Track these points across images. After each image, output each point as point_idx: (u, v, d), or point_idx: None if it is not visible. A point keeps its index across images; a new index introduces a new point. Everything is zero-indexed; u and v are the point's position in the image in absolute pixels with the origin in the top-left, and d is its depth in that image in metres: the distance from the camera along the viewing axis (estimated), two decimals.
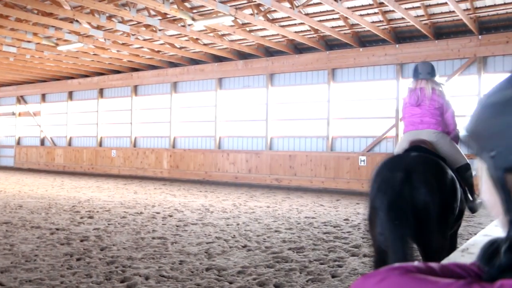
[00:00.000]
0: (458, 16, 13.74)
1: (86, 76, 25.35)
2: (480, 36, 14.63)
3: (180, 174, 21.05)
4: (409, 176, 3.63)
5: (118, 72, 23.93)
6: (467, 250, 2.86)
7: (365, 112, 16.90)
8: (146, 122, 23.19)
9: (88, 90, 25.61)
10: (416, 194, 3.59)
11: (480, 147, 0.88)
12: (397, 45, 15.99)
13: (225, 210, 11.87)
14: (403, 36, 15.92)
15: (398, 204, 3.45)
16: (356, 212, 11.60)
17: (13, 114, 29.69)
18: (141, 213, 11.19)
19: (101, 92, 24.99)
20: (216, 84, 20.40)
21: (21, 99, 29.22)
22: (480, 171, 0.91)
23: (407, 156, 4.11)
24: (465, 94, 14.71)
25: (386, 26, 15.28)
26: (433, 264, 0.90)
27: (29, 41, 17.25)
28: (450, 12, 13.94)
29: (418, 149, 4.35)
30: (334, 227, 9.61)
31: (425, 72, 5.10)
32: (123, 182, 19.90)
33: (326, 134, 17.46)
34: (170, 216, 10.79)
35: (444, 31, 15.22)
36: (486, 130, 0.86)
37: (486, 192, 0.90)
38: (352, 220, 10.52)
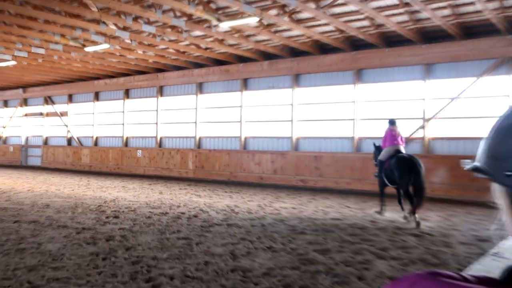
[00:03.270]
0: (486, 15, 13.50)
1: (112, 77, 25.62)
2: (509, 36, 14.34)
3: (205, 174, 21.08)
4: (415, 162, 10.13)
5: (143, 73, 24.08)
6: (499, 254, 2.83)
7: (391, 113, 16.68)
8: (171, 123, 23.30)
9: (114, 91, 25.89)
10: (420, 168, 9.98)
11: (496, 168, 0.88)
12: (423, 45, 15.77)
13: (250, 211, 11.86)
14: (430, 36, 15.63)
15: (413, 171, 10.04)
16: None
17: (41, 114, 30.16)
18: (166, 213, 11.22)
19: (127, 92, 25.22)
20: (241, 85, 20.39)
21: (48, 100, 29.65)
22: (498, 194, 0.91)
23: (407, 155, 10.73)
24: (493, 95, 14.52)
25: (413, 26, 15.05)
26: (465, 274, 0.89)
27: (56, 43, 17.44)
28: (478, 12, 13.66)
29: (401, 152, 11.04)
30: (361, 229, 9.53)
31: (395, 122, 11.61)
32: (149, 182, 19.96)
33: (352, 135, 17.32)
34: (195, 216, 10.78)
35: (472, 31, 14.97)
36: (502, 151, 0.87)
37: (507, 213, 0.91)
38: (378, 222, 10.41)
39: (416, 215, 9.99)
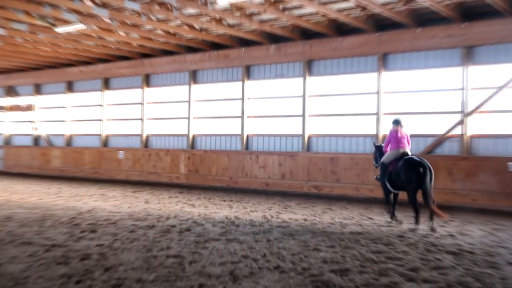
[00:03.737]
0: None
1: (89, 63, 25.61)
2: None
3: (200, 179, 21.15)
4: (426, 166, 11.29)
5: (126, 58, 24.12)
6: None
7: (424, 106, 16.62)
8: (159, 118, 23.35)
9: (90, 80, 25.89)
10: (431, 174, 11.35)
11: None
12: (463, 24, 15.64)
13: (253, 223, 11.89)
14: (471, 12, 15.41)
15: (425, 177, 11.20)
16: (413, 227, 11.44)
17: (1, 108, 29.93)
18: (153, 226, 11.21)
19: (106, 82, 25.28)
20: (243, 73, 20.42)
21: (10, 91, 29.59)
22: None
23: (418, 158, 11.73)
24: None
25: (449, 2, 14.77)
26: None
27: (20, 22, 17.20)
28: None
29: (408, 155, 12.20)
30: (386, 245, 9.50)
31: (401, 122, 12.50)
32: (132, 189, 20.05)
33: (376, 133, 17.31)
34: (188, 230, 10.78)
35: None
36: None
37: None
38: (408, 237, 10.34)
39: (433, 222, 11.16)
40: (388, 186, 12.18)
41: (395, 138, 12.30)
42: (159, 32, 19.32)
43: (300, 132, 18.96)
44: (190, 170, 21.55)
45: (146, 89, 23.65)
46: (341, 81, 18.36)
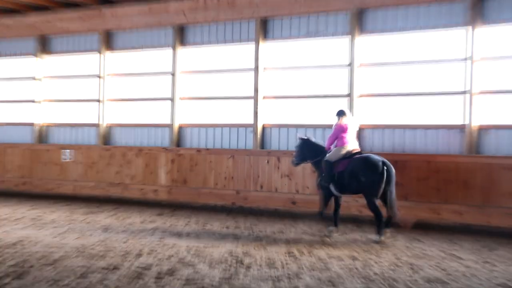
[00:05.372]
0: None
1: (16, 11, 25.38)
2: None
3: (191, 194, 21.19)
4: (389, 165, 14.29)
5: (75, 5, 23.91)
6: None
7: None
8: (127, 99, 23.61)
9: (19, 39, 25.95)
10: (393, 175, 14.38)
11: None
12: None
13: (273, 263, 12.01)
14: None
15: (389, 178, 14.17)
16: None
17: None
18: (116, 268, 11.26)
19: (43, 42, 25.30)
20: (257, 29, 20.43)
21: None
22: None
23: (379, 157, 14.50)
24: None
25: None
26: None
27: None
28: None
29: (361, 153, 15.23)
30: None
31: (345, 113, 15.17)
32: (84, 209, 20.31)
33: (463, 122, 17.29)
34: (171, 274, 10.81)
35: None
36: None
37: None
38: None
39: (388, 231, 14.27)
40: (333, 189, 14.83)
41: (341, 132, 14.94)
42: None
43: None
44: (175, 179, 21.60)
45: (107, 54, 23.62)
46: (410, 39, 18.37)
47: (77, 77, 24.65)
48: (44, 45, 25.26)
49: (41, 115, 25.25)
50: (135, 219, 18.03)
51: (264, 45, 20.41)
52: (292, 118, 20.09)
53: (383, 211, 14.30)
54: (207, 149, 21.15)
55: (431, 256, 12.99)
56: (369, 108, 18.87)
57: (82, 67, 24.45)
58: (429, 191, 17.18)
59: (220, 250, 13.18)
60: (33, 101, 25.33)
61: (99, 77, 23.75)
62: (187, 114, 22.07)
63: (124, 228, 16.15)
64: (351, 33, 18.92)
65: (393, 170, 14.12)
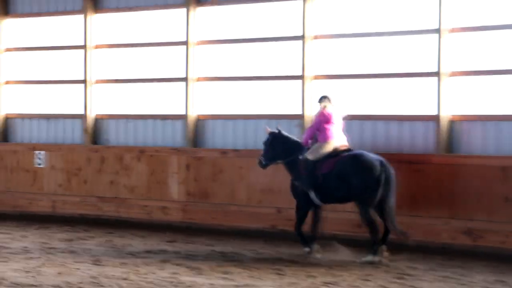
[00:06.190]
0: None
1: None
2: None
3: (212, 212, 20.49)
4: (387, 166, 15.35)
5: None
6: None
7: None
8: (122, 80, 23.26)
9: None
10: (393, 177, 15.58)
11: None
12: None
13: None
14: None
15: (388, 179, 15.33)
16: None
17: None
18: None
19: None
20: None
21: None
22: None
23: (374, 155, 15.59)
24: None
25: None
26: None
27: None
28: None
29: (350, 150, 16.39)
30: None
31: (329, 98, 16.13)
32: (66, 234, 19.85)
33: None
34: None
35: None
36: None
37: None
38: None
39: (384, 248, 14.58)
40: (314, 197, 15.06)
41: (326, 122, 15.23)
42: None
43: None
44: (191, 193, 20.90)
45: (94, 17, 22.78)
46: None
47: (50, 49, 24.30)
48: (6, 6, 24.59)
49: (4, 103, 24.62)
50: (137, 247, 17.60)
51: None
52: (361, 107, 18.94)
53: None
54: (236, 150, 20.47)
55: None
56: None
57: (58, 35, 23.96)
58: None
59: None
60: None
61: (85, 48, 22.86)
62: (207, 101, 21.32)
63: (122, 260, 15.59)
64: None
65: (393, 172, 14.44)
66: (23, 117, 24.61)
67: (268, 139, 16.25)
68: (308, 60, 19.37)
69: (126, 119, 22.62)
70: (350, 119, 18.06)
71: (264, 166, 16.42)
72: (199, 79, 21.39)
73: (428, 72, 18.21)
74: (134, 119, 22.57)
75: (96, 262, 15.15)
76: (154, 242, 18.28)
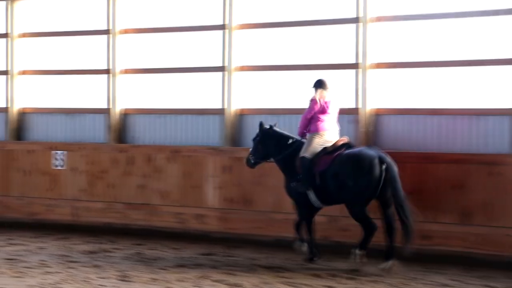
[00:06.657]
0: None
1: None
2: None
3: (255, 221, 20.36)
4: (390, 163, 15.75)
5: None
6: None
7: None
8: (153, 70, 23.30)
9: None
10: (396, 174, 16.15)
11: None
12: None
13: None
14: None
15: (392, 180, 15.63)
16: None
17: None
18: None
19: None
20: None
21: None
22: None
23: (374, 151, 16.14)
24: None
25: None
26: None
27: None
28: None
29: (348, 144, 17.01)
30: None
31: (326, 83, 16.55)
32: (89, 244, 19.93)
33: None
34: None
35: None
36: None
37: None
38: None
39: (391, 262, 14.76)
40: (313, 197, 15.53)
41: (320, 111, 15.57)
42: None
43: None
44: (231, 199, 20.78)
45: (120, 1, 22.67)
46: None
47: (74, 34, 24.34)
48: None
49: (18, 96, 24.54)
50: (169, 260, 17.50)
51: None
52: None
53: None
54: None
55: None
56: None
57: (75, 18, 24.06)
58: None
59: None
60: (6, 73, 24.67)
61: (109, 33, 22.94)
62: (251, 93, 21.17)
63: (153, 275, 15.39)
64: None
65: (395, 169, 14.66)
66: (39, 111, 24.59)
67: (259, 136, 16.57)
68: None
69: (156, 114, 22.33)
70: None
71: (252, 165, 16.83)
72: (242, 68, 21.15)
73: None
74: (165, 114, 22.42)
75: (123, 278, 15.01)
76: (188, 255, 18.19)
